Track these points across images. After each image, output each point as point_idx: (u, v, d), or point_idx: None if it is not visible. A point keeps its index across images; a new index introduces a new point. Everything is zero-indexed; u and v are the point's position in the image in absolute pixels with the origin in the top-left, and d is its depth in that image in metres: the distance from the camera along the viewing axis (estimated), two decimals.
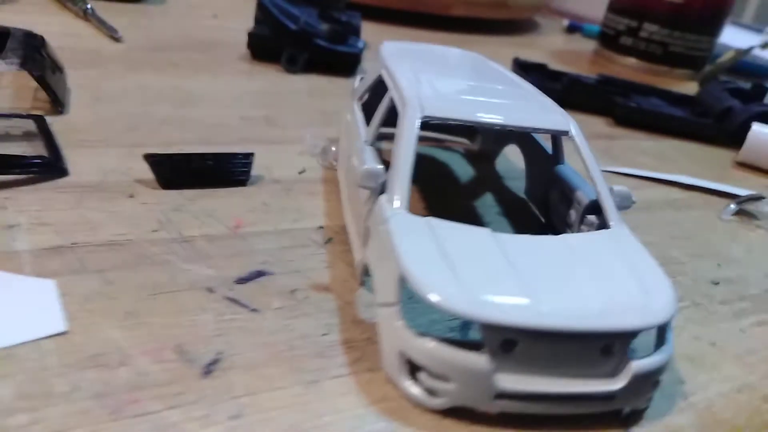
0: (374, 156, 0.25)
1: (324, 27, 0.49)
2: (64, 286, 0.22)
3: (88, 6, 0.52)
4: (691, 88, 0.61)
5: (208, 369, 0.19)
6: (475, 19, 0.75)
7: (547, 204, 0.30)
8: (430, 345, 0.19)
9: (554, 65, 0.57)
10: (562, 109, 0.28)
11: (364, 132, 0.28)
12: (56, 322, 0.20)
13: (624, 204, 0.25)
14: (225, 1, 0.68)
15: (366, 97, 0.33)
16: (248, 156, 0.31)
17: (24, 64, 0.33)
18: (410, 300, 0.22)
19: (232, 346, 0.20)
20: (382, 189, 0.23)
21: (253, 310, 0.22)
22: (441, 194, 0.34)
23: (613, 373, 0.19)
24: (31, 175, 0.28)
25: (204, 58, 0.48)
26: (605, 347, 0.19)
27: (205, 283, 0.23)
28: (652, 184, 0.40)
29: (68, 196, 0.27)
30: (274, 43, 0.48)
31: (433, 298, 0.18)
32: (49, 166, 0.28)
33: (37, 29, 0.40)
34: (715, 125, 0.49)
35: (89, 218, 0.26)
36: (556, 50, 0.75)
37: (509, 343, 0.18)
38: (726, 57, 0.61)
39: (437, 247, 0.20)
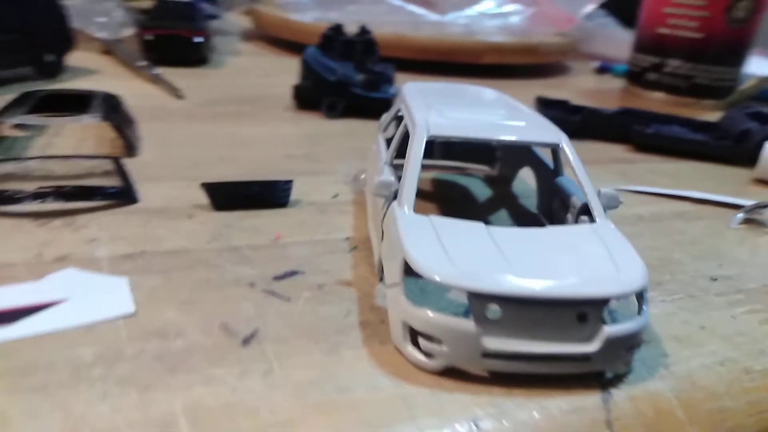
0: (391, 172, 0.29)
1: (359, 77, 0.55)
2: (133, 282, 0.27)
3: (157, 72, 0.60)
4: (716, 116, 0.63)
5: (246, 340, 0.24)
6: (506, 66, 0.79)
7: (551, 213, 0.34)
8: (427, 313, 0.22)
9: (581, 102, 0.60)
10: (556, 127, 0.31)
11: (384, 155, 0.32)
12: (126, 306, 0.25)
13: (611, 204, 0.28)
14: (272, 64, 0.75)
15: (389, 129, 0.38)
16: (288, 183, 0.36)
17: (105, 118, 0.40)
18: (422, 292, 0.26)
19: (266, 325, 0.25)
20: (394, 197, 0.27)
21: (287, 299, 0.27)
22: (460, 212, 0.37)
23: (588, 338, 0.22)
24: (109, 202, 0.33)
25: (254, 110, 0.55)
26: (580, 314, 0.22)
27: (248, 279, 0.28)
28: (664, 199, 0.42)
29: (139, 217, 0.33)
30: (316, 94, 0.54)
31: (428, 273, 0.22)
32: (124, 195, 0.34)
33: (115, 92, 0.47)
34: (733, 146, 0.51)
35: (155, 234, 0.31)
36: (585, 89, 0.78)
37: (494, 309, 0.22)
38: (749, 85, 0.63)
39: (435, 236, 0.24)
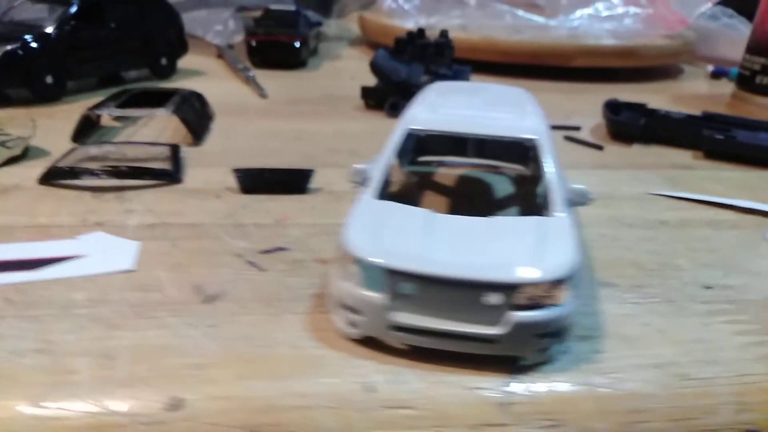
0: (384, 169, 0.31)
1: (424, 79, 0.57)
2: (145, 246, 0.32)
3: (251, 73, 0.66)
4: None
5: (209, 299, 0.27)
6: (609, 69, 0.77)
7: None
8: (349, 286, 0.24)
9: (679, 108, 0.57)
10: (544, 125, 0.32)
11: (387, 150, 0.34)
12: (128, 264, 0.30)
13: (580, 200, 0.29)
14: (366, 68, 0.79)
15: None
16: (309, 172, 0.39)
17: (174, 111, 0.46)
18: None
19: (234, 289, 0.28)
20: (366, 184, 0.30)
21: (263, 269, 0.30)
22: (468, 208, 0.39)
23: (496, 321, 0.23)
24: (156, 182, 0.39)
25: (327, 109, 0.59)
26: (490, 296, 0.23)
27: (238, 251, 0.32)
28: (703, 207, 0.40)
29: (175, 195, 0.38)
30: (381, 94, 0.57)
31: (352, 249, 0.24)
32: (169, 176, 0.39)
33: (211, 90, 0.55)
34: None
35: (182, 209, 0.36)
36: (688, 94, 0.74)
37: (407, 286, 0.24)
38: None
39: (379, 219, 0.26)
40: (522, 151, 0.44)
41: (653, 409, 0.23)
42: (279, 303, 0.27)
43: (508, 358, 0.24)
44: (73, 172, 0.38)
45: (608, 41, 0.78)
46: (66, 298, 0.27)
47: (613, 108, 0.55)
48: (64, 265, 0.29)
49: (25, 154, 0.43)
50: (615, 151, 0.51)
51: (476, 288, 0.23)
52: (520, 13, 0.91)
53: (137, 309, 0.26)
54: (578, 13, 0.92)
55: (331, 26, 1.00)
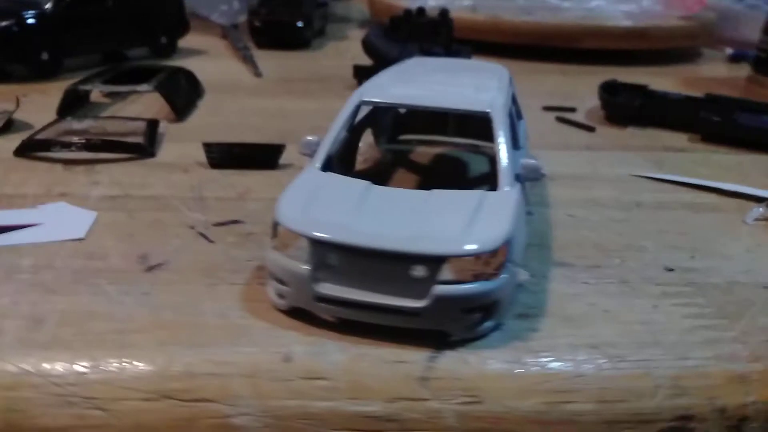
0: (330, 140, 0.30)
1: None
2: (101, 217, 0.32)
3: (249, 53, 0.66)
4: None
5: (151, 268, 0.27)
6: (623, 51, 0.74)
7: None
8: (278, 258, 0.24)
9: (688, 91, 0.54)
10: (503, 100, 0.30)
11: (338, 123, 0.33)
12: (78, 233, 0.30)
13: (532, 175, 0.28)
14: None
15: None
16: (280, 147, 0.39)
17: (156, 88, 0.46)
18: None
19: (177, 259, 0.28)
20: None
21: (211, 241, 0.30)
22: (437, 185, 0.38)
23: (420, 294, 0.23)
24: (128, 155, 0.39)
25: (318, 88, 0.59)
26: (415, 269, 0.23)
27: (192, 223, 0.32)
28: (685, 189, 0.38)
29: (144, 169, 0.38)
30: (373, 72, 0.56)
31: (279, 218, 0.24)
32: (141, 150, 0.40)
33: (208, 69, 0.55)
34: None
35: (148, 182, 0.36)
36: (700, 77, 0.71)
37: (332, 256, 0.23)
38: None
39: (312, 191, 0.26)
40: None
41: (580, 389, 0.22)
42: (219, 273, 0.27)
43: (437, 333, 0.23)
44: (46, 144, 0.38)
45: (620, 22, 0.76)
46: (12, 263, 0.27)
47: (610, 89, 0.53)
48: (18, 233, 0.30)
49: (8, 128, 0.44)
50: (607, 132, 0.49)
51: (401, 260, 0.22)
52: None
53: (78, 276, 0.27)
54: None
55: (340, 7, 0.99)
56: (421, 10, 0.65)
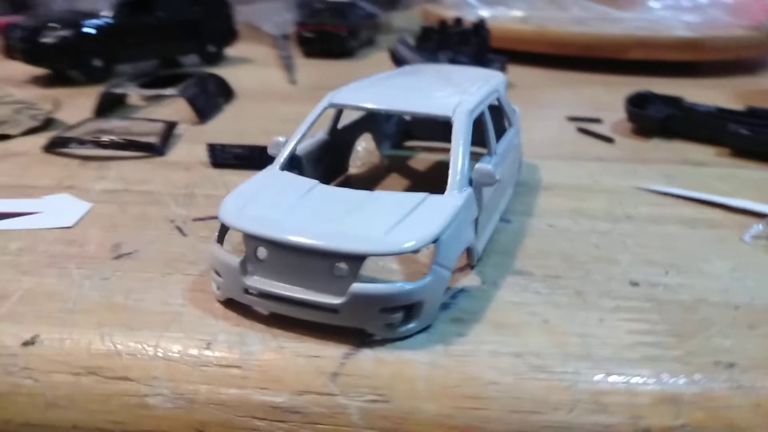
0: (294, 141, 0.31)
1: None
2: (95, 208, 0.34)
3: (289, 61, 0.69)
4: None
5: (119, 257, 0.29)
6: (684, 63, 0.71)
7: None
8: (215, 250, 0.25)
9: (734, 106, 0.51)
10: (471, 106, 0.30)
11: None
12: (67, 222, 0.32)
13: (484, 180, 0.27)
14: None
15: None
16: None
17: (180, 93, 0.49)
18: None
19: (146, 249, 0.30)
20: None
21: (185, 234, 0.32)
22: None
23: (341, 291, 0.23)
24: (140, 154, 0.42)
25: None
26: (337, 266, 0.23)
27: (174, 218, 0.33)
28: (688, 204, 0.36)
29: (151, 166, 0.41)
30: None
31: (219, 213, 0.25)
32: (152, 149, 0.42)
33: (248, 76, 0.58)
34: None
35: (149, 178, 0.39)
36: (753, 91, 0.66)
37: (262, 250, 0.24)
38: None
39: (259, 189, 0.27)
40: None
41: (492, 397, 0.22)
42: (178, 264, 0.29)
43: (360, 332, 0.23)
44: (66, 142, 0.42)
45: (678, 33, 0.72)
46: (2, 246, 0.30)
47: (640, 101, 0.51)
48: (16, 220, 0.32)
49: (48, 126, 0.47)
50: (627, 144, 0.47)
51: (323, 257, 0.23)
52: (589, 4, 0.87)
53: (53, 259, 0.29)
54: (655, 5, 0.87)
55: (399, 17, 1.00)
56: (458, 21, 0.65)
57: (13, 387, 0.22)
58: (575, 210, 0.35)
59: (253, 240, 0.24)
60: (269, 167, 0.29)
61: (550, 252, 0.31)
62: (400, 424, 0.21)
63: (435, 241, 0.23)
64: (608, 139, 0.48)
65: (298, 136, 0.30)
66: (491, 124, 0.32)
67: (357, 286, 0.22)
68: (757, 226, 0.32)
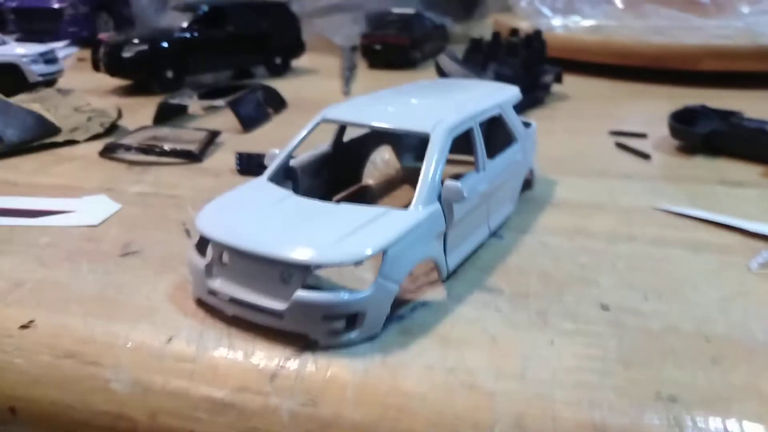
0: (284, 153, 0.33)
1: (488, 77, 0.56)
2: (123, 209, 0.38)
3: (348, 72, 0.71)
4: None
5: (125, 254, 0.32)
6: (735, 73, 0.66)
7: None
8: (190, 253, 0.27)
9: None
10: (451, 124, 0.30)
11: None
12: (93, 221, 0.36)
13: (452, 197, 0.28)
14: None
15: None
16: None
17: (228, 104, 0.52)
18: None
19: (152, 249, 0.33)
20: None
21: (190, 237, 0.34)
22: None
23: (287, 298, 0.24)
24: (178, 160, 0.46)
25: None
26: (285, 274, 0.24)
27: (186, 221, 0.36)
28: (704, 226, 0.34)
29: (186, 172, 0.44)
30: None
31: (195, 219, 0.27)
32: (190, 156, 0.46)
33: (308, 87, 0.62)
34: None
35: (180, 183, 0.42)
36: None
37: (225, 255, 0.26)
38: None
39: (237, 197, 0.29)
40: None
41: (415, 410, 0.22)
42: (173, 263, 0.31)
43: (307, 338, 0.25)
44: (115, 148, 0.46)
45: (759, 41, 0.67)
46: (33, 240, 0.34)
47: (689, 116, 0.49)
48: (52, 217, 0.37)
49: (110, 132, 0.53)
50: (664, 161, 0.45)
51: (273, 264, 0.24)
52: (672, 12, 0.83)
53: (70, 254, 0.32)
54: (746, 11, 0.81)
55: (470, 28, 1.00)
56: (513, 32, 0.65)
57: (6, 364, 0.26)
58: (576, 228, 0.34)
59: (218, 245, 0.26)
60: (258, 178, 0.31)
61: (530, 270, 0.30)
62: (324, 429, 0.22)
63: (382, 253, 0.24)
64: (645, 156, 0.46)
65: (289, 149, 0.32)
66: (481, 139, 0.32)
67: (300, 294, 0.24)
68: (765, 254, 0.30)
